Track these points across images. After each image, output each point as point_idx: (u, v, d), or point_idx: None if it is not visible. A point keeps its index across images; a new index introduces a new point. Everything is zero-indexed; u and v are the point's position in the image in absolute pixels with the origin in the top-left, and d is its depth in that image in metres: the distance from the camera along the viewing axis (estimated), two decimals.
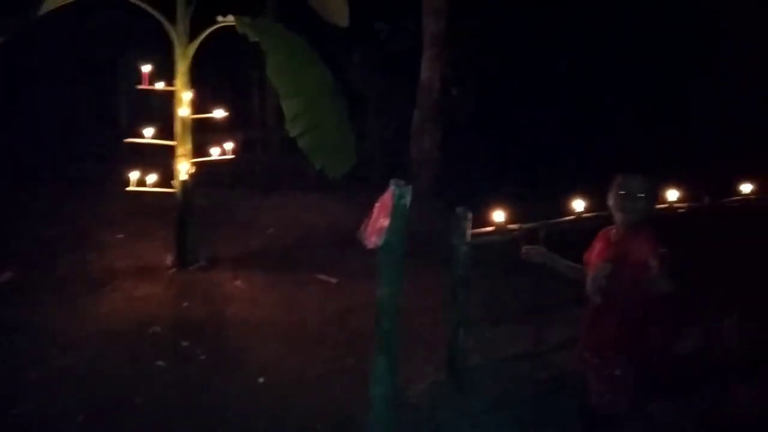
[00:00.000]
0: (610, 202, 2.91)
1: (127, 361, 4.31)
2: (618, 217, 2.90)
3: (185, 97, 5.77)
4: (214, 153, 6.09)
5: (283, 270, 6.07)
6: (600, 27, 7.77)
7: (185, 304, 5.25)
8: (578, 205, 3.83)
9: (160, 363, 4.32)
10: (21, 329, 4.64)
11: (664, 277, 2.67)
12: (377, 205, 3.21)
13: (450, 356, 3.72)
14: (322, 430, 3.68)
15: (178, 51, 5.79)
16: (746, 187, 4.44)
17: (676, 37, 7.16)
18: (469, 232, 3.48)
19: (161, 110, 6.67)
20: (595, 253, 2.97)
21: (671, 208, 4.14)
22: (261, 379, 4.20)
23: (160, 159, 6.30)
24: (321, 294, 5.62)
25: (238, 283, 5.73)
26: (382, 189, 3.14)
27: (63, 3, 5.08)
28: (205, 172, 6.25)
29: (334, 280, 5.88)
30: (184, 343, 4.60)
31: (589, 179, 3.98)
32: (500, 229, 3.54)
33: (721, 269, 4.23)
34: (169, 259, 5.95)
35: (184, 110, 5.75)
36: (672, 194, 4.12)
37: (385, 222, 3.17)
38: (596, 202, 3.64)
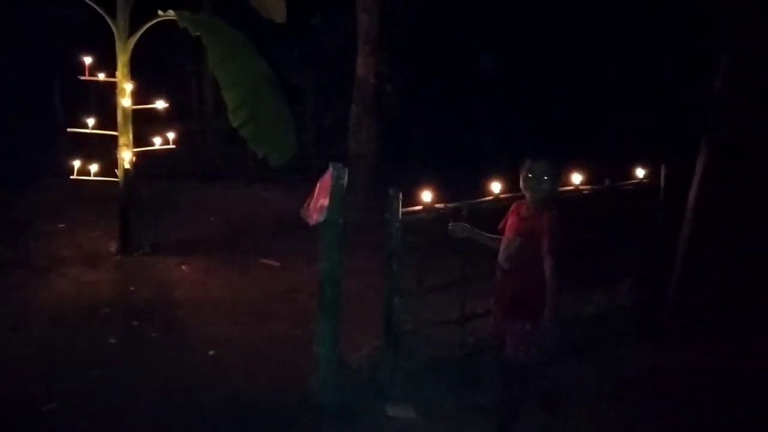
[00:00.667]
0: (521, 183, 3.41)
1: (80, 340, 4.51)
2: (527, 195, 3.41)
3: (126, 88, 5.94)
4: (156, 143, 6.27)
5: (228, 255, 6.35)
6: (523, 24, 8.38)
7: (132, 287, 5.46)
8: (496, 187, 4.33)
9: (112, 341, 4.55)
10: None
11: (553, 252, 3.18)
12: (318, 186, 3.61)
13: (386, 323, 4.13)
14: (271, 394, 4.03)
15: (118, 44, 5.95)
16: (640, 172, 5.09)
17: (593, 31, 7.83)
18: (401, 210, 3.92)
19: (100, 102, 6.77)
20: (508, 225, 3.48)
21: (577, 189, 4.71)
22: (211, 352, 4.51)
23: (101, 149, 6.43)
24: (265, 276, 5.95)
25: (183, 267, 5.97)
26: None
27: None
28: (145, 163, 6.42)
29: (277, 264, 6.21)
30: (135, 323, 4.83)
31: (508, 163, 4.50)
32: (427, 207, 4.00)
33: (619, 242, 4.87)
34: (113, 246, 6.12)
35: (125, 101, 5.92)
36: (576, 177, 4.69)
37: (325, 201, 3.57)
38: (513, 183, 4.16)
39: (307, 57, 9.31)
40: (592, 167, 4.94)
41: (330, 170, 3.57)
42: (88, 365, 4.16)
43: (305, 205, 3.67)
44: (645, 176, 5.10)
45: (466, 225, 3.72)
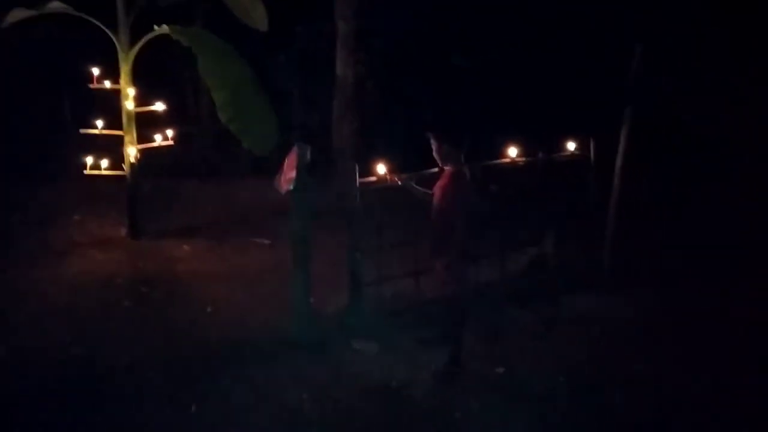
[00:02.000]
0: None
1: (98, 303, 5.39)
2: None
3: (129, 93, 6.82)
4: (157, 140, 7.15)
5: (224, 237, 7.21)
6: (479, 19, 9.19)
7: (140, 264, 6.33)
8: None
9: (126, 303, 5.42)
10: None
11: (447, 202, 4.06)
12: (285, 161, 4.47)
13: (351, 275, 4.98)
14: (256, 337, 4.87)
15: (121, 55, 6.84)
16: (571, 145, 5.93)
17: (530, 21, 8.62)
18: (357, 179, 4.77)
19: (107, 106, 7.64)
20: (436, 184, 4.35)
21: (513, 161, 5.55)
22: (209, 309, 5.37)
23: (109, 149, 7.30)
24: (257, 252, 6.81)
25: (185, 247, 6.84)
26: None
27: (25, 17, 6.04)
28: (149, 162, 7.27)
29: (267, 242, 7.06)
30: (144, 289, 5.71)
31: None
32: (380, 178, 4.83)
33: (546, 206, 5.71)
34: (123, 232, 7.00)
35: (129, 104, 6.81)
36: (512, 151, 5.52)
37: (292, 174, 4.44)
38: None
39: (292, 61, 10.19)
40: (529, 142, 5.77)
41: (295, 148, 4.43)
42: (105, 321, 5.05)
43: (276, 178, 4.53)
44: (576, 148, 5.95)
45: (410, 181, 4.62)
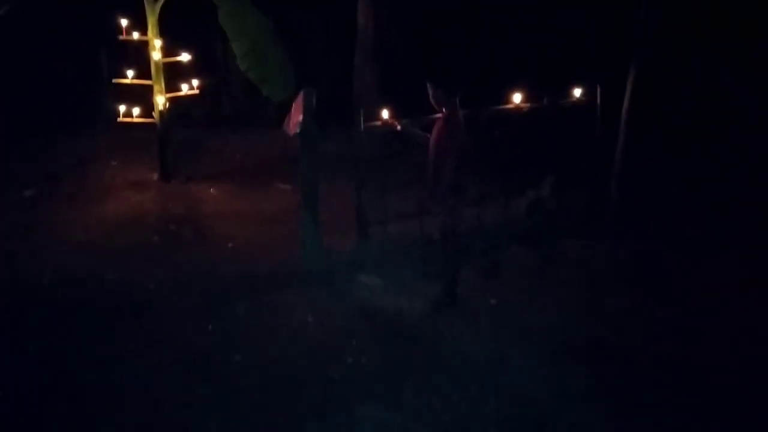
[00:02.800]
0: None
1: (131, 239, 5.92)
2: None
3: (157, 44, 7.20)
4: (184, 89, 7.55)
5: (248, 182, 7.65)
6: None
7: (170, 204, 6.84)
8: None
9: (155, 238, 5.94)
10: (43, 225, 6.22)
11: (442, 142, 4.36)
12: (293, 106, 4.79)
13: (358, 215, 5.34)
14: (272, 268, 5.32)
15: (148, 7, 7.19)
16: (577, 91, 6.06)
17: None
18: (362, 124, 5.07)
19: (138, 59, 8.06)
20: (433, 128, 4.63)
21: (518, 107, 5.73)
22: (230, 245, 5.84)
23: (140, 98, 7.75)
24: (277, 196, 7.23)
25: (211, 191, 7.32)
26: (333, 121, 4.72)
27: None
28: (178, 113, 7.69)
29: (288, 187, 7.46)
30: (172, 227, 6.22)
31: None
32: (384, 122, 5.12)
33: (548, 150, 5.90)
34: (154, 176, 7.51)
35: (156, 54, 7.20)
36: (517, 97, 5.69)
37: (299, 117, 4.76)
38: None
39: (314, 11, 10.34)
40: (537, 88, 5.93)
41: (302, 92, 4.74)
42: (136, 253, 5.58)
43: (284, 122, 4.87)
44: (582, 95, 6.08)
45: (409, 125, 4.90)
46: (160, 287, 4.98)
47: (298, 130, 4.78)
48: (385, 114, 5.17)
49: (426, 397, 3.65)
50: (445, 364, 4.01)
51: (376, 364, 3.99)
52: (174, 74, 7.66)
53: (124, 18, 7.15)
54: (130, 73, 7.28)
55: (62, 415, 3.53)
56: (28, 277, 5.17)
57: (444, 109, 4.53)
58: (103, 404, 3.62)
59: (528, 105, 5.77)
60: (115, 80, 7.34)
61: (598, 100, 6.10)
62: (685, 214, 6.38)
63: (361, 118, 5.06)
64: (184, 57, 7.43)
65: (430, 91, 4.54)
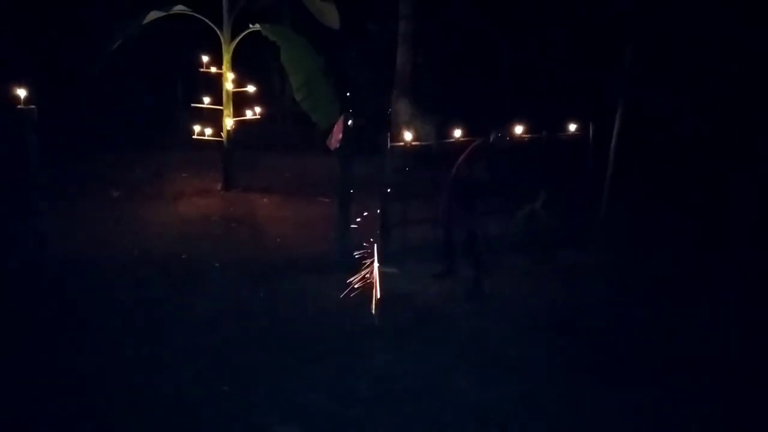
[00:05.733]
0: None
1: (198, 232, 7.30)
2: None
3: (229, 76, 8.73)
4: (248, 115, 9.04)
5: (295, 195, 9.02)
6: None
7: (231, 208, 8.23)
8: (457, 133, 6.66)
9: (218, 232, 7.31)
10: (129, 218, 7.68)
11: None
12: (336, 125, 6.12)
13: (381, 218, 6.56)
14: (310, 259, 6.56)
15: (224, 47, 8.76)
16: (572, 126, 7.22)
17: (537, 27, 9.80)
18: (389, 144, 6.34)
19: (210, 89, 9.62)
20: None
21: (519, 137, 6.91)
22: (278, 240, 7.15)
23: (211, 121, 9.27)
24: (319, 207, 8.54)
25: (264, 200, 8.70)
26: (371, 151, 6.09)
27: (157, 17, 8.03)
28: (241, 138, 9.13)
29: (327, 200, 8.77)
30: (232, 225, 7.59)
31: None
32: (408, 143, 6.38)
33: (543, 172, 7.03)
34: (218, 186, 8.95)
35: (228, 85, 8.73)
36: (518, 128, 6.88)
37: (339, 135, 6.07)
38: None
39: (361, 54, 11.89)
40: (536, 124, 7.11)
41: (343, 116, 6.09)
42: (203, 242, 6.95)
43: (329, 138, 6.20)
44: (576, 129, 7.24)
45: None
46: (223, 265, 6.29)
47: (338, 145, 6.09)
48: (408, 136, 6.45)
49: (424, 347, 4.78)
50: (441, 329, 5.13)
51: (388, 326, 5.14)
52: (239, 102, 9.17)
53: (203, 55, 8.73)
54: (206, 99, 8.82)
55: (148, 338, 4.79)
56: (119, 254, 6.55)
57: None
58: (174, 341, 4.84)
59: (529, 136, 6.98)
60: (193, 104, 8.89)
61: (591, 134, 7.25)
62: (665, 232, 7.37)
63: (389, 140, 6.34)
64: (250, 88, 8.94)
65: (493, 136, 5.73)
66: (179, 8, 8.16)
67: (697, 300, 5.79)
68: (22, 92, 5.87)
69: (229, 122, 8.75)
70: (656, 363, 4.69)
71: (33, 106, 5.82)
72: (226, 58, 8.73)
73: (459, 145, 6.49)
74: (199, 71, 8.79)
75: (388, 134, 6.36)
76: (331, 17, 8.84)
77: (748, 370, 4.65)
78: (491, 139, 5.69)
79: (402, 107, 10.80)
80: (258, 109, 9.07)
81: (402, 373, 4.42)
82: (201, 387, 4.15)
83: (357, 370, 4.43)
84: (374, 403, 4.05)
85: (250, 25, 8.42)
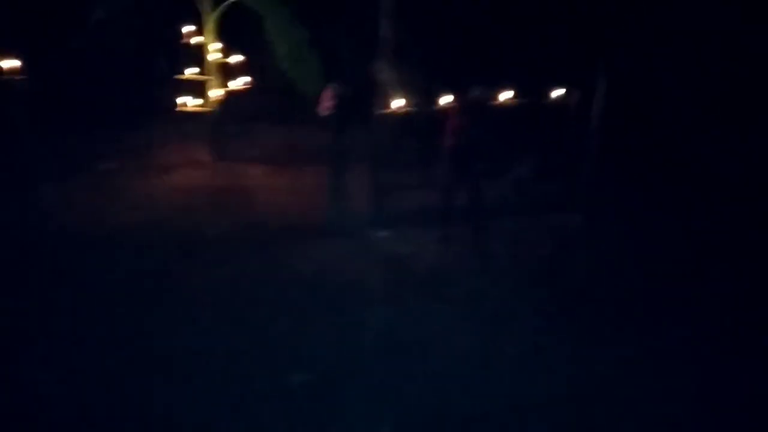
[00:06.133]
0: None
1: (192, 200, 7.40)
2: None
3: (212, 47, 8.72)
4: (233, 85, 9.05)
5: (285, 164, 9.10)
6: None
7: (222, 178, 8.32)
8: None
9: (213, 200, 7.42)
10: (123, 189, 7.74)
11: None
12: (323, 94, 6.21)
13: (374, 185, 6.70)
14: (302, 225, 6.71)
15: (205, 17, 8.71)
16: (558, 92, 7.36)
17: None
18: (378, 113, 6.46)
19: (195, 60, 9.56)
20: None
21: (506, 102, 7.04)
22: (270, 207, 7.26)
23: (197, 92, 9.24)
24: (309, 177, 8.61)
25: (255, 170, 8.78)
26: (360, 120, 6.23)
27: None
28: (230, 109, 9.14)
29: (315, 169, 8.87)
30: (225, 194, 7.68)
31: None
32: (395, 111, 6.49)
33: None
34: (209, 157, 9.00)
35: (212, 55, 8.71)
36: (507, 94, 7.00)
37: (328, 103, 6.17)
38: None
39: (344, 25, 11.82)
40: (525, 90, 7.24)
41: (330, 85, 6.18)
42: (197, 210, 7.07)
43: (318, 106, 6.30)
44: (560, 96, 7.38)
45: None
46: (219, 232, 6.42)
47: (327, 113, 6.20)
48: (396, 104, 6.55)
49: (419, 300, 5.02)
50: (433, 284, 5.37)
51: (379, 282, 5.35)
52: (225, 74, 9.15)
53: (186, 26, 8.69)
54: (188, 71, 8.80)
55: (155, 301, 4.95)
56: (115, 222, 6.64)
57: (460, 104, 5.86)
58: (179, 302, 5.01)
59: (516, 101, 7.11)
60: (177, 76, 8.88)
61: (574, 101, 7.40)
62: (650, 198, 7.60)
63: (374, 108, 6.44)
64: (235, 58, 8.93)
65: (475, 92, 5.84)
66: None
67: (682, 256, 6.07)
68: (13, 63, 5.86)
69: (215, 93, 8.76)
70: (646, 312, 5.02)
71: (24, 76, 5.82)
72: (208, 29, 8.70)
73: (444, 112, 6.61)
74: (181, 43, 8.75)
75: (375, 102, 6.46)
76: None
77: (740, 315, 4.97)
78: (475, 95, 5.82)
79: (387, 75, 10.83)
80: (247, 78, 9.07)
81: (404, 328, 4.66)
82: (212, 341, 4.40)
83: (363, 326, 4.69)
84: (379, 356, 4.31)
85: None
